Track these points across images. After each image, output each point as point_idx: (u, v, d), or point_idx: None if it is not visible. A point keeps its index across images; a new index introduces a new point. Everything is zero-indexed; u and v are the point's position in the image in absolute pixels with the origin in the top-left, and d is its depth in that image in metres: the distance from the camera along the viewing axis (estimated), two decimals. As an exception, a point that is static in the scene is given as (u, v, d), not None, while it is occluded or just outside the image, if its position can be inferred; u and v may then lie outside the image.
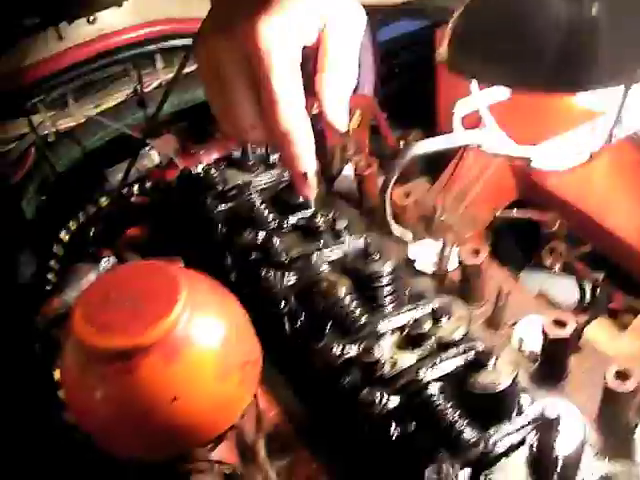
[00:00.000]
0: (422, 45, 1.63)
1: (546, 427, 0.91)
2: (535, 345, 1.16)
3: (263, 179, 1.32)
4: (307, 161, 1.11)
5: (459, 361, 1.02)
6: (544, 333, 1.09)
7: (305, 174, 1.12)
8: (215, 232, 1.28)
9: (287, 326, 1.17)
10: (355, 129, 1.50)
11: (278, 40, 1.06)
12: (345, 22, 1.13)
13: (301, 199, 1.27)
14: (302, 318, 1.16)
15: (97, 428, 0.99)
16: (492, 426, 1.01)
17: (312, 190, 1.14)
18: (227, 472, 1.03)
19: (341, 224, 1.24)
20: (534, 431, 0.94)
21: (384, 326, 1.07)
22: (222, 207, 1.28)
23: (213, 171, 1.31)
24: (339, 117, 1.12)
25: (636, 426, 1.05)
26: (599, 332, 1.22)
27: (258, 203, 1.28)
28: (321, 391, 1.11)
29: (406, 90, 1.45)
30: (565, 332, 1.07)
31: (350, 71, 1.13)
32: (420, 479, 0.99)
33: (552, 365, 1.13)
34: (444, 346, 1.05)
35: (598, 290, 1.41)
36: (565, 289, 1.44)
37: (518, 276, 1.45)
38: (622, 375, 1.01)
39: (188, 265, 1.17)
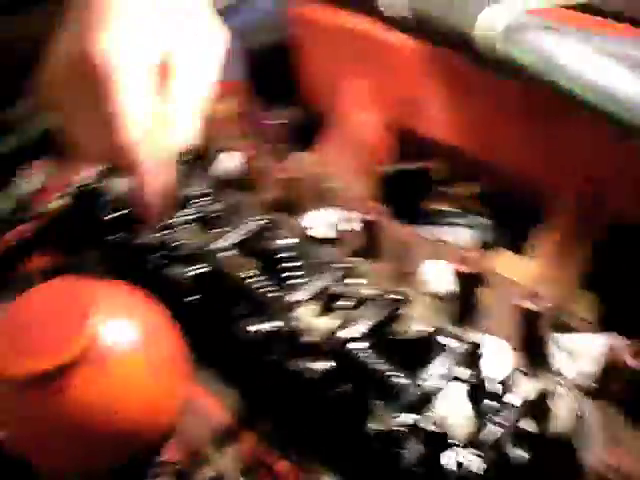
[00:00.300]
0: (278, 25, 1.64)
1: (476, 359, 0.95)
2: (444, 286, 1.20)
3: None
4: (149, 190, 1.07)
5: (378, 315, 1.05)
6: (453, 272, 1.13)
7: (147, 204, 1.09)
8: (113, 240, 1.28)
9: (203, 316, 1.18)
10: (230, 116, 1.51)
11: (119, 55, 1.02)
12: (199, 45, 1.10)
13: (194, 192, 1.28)
14: (216, 305, 1.17)
15: (36, 455, 0.98)
16: (421, 370, 1.05)
17: (156, 215, 1.12)
18: (177, 470, 1.03)
19: (235, 208, 1.25)
20: (466, 365, 0.98)
21: (298, 296, 1.09)
22: (114, 214, 1.28)
23: (101, 182, 1.30)
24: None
25: (550, 342, 1.11)
26: (503, 262, 1.26)
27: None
28: (250, 371, 1.13)
29: (268, 71, 1.46)
30: (473, 268, 1.11)
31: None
32: (362, 435, 1.03)
33: (465, 302, 1.17)
34: (360, 304, 1.08)
35: (493, 226, 1.46)
36: (462, 230, 1.49)
37: (414, 226, 1.48)
38: (533, 296, 1.07)
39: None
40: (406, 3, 1.26)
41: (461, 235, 1.47)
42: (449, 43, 1.20)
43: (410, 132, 1.44)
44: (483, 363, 0.97)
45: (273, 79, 1.47)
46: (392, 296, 1.08)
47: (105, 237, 1.28)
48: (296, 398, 1.08)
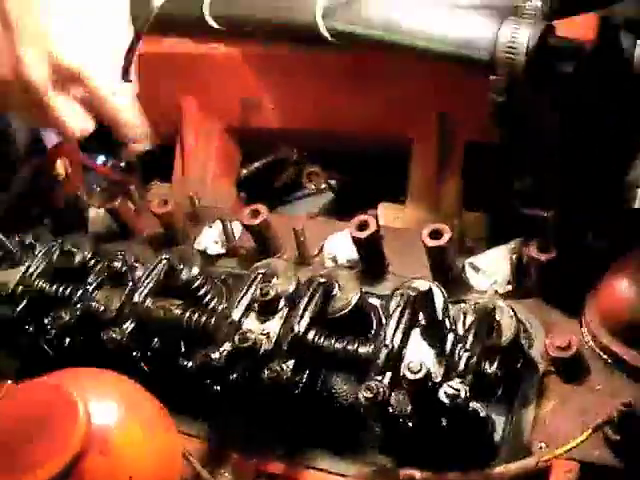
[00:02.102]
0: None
1: (424, 299, 1.02)
2: (348, 254, 1.27)
3: (35, 263, 1.30)
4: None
5: (313, 302, 1.11)
6: (355, 239, 1.20)
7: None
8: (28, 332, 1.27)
9: (151, 366, 1.21)
10: (69, 174, 1.51)
11: None
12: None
13: (78, 258, 1.28)
14: (163, 351, 1.20)
15: None
16: (371, 333, 1.13)
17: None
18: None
19: (131, 258, 1.27)
20: (416, 311, 1.05)
21: (236, 314, 1.12)
22: (19, 309, 1.27)
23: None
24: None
25: (464, 267, 1.21)
26: (387, 215, 1.34)
27: (49, 286, 1.27)
28: (224, 398, 1.17)
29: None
30: (370, 230, 1.19)
31: None
32: (350, 416, 1.10)
33: (373, 260, 1.25)
34: (293, 299, 1.13)
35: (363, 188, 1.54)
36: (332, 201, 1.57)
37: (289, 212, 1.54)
38: (435, 233, 1.16)
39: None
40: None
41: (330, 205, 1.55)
42: (279, 36, 1.26)
43: (254, 130, 1.49)
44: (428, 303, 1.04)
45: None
46: (319, 280, 1.13)
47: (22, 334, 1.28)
48: (272, 402, 1.13)
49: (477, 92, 1.13)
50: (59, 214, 1.47)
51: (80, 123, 1.38)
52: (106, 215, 1.41)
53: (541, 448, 1.05)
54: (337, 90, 1.39)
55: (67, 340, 1.27)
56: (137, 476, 0.96)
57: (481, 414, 1.05)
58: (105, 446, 0.94)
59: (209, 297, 1.23)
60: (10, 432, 0.96)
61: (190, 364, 1.15)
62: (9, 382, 1.28)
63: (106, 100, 1.36)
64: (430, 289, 1.02)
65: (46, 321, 1.25)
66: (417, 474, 1.04)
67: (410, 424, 1.05)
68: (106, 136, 1.42)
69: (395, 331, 1.05)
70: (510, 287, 1.19)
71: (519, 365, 1.11)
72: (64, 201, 1.48)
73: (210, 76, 1.43)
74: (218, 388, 1.16)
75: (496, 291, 1.18)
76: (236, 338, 1.08)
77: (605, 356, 1.10)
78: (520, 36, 1.00)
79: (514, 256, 1.17)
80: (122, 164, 1.62)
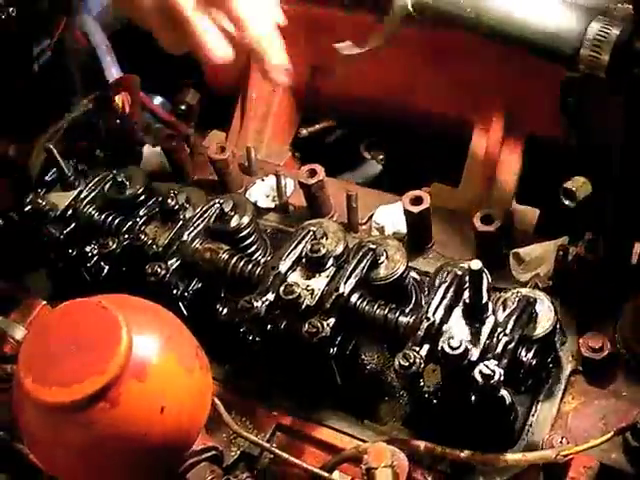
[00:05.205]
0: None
1: (476, 278, 1.03)
2: (395, 227, 1.29)
3: (87, 189, 1.32)
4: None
5: (361, 266, 1.12)
6: (407, 212, 1.22)
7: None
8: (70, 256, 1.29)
9: (190, 306, 1.22)
10: (127, 109, 1.52)
11: None
12: None
13: (130, 191, 1.30)
14: (202, 293, 1.22)
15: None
16: (408, 306, 1.14)
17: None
18: (214, 454, 1.08)
19: (182, 198, 1.28)
20: (460, 290, 1.07)
21: (283, 267, 1.14)
22: (65, 231, 1.28)
23: (40, 201, 1.29)
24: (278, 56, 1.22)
25: (508, 256, 1.23)
26: (439, 195, 1.35)
27: (98, 213, 1.29)
28: (259, 346, 1.18)
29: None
30: (423, 205, 1.21)
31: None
32: (376, 385, 1.13)
33: (420, 236, 1.27)
34: (340, 259, 1.15)
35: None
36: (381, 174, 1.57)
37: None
38: (486, 218, 1.17)
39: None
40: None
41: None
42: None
43: (318, 93, 1.50)
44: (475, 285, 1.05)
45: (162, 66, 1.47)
46: (369, 246, 1.15)
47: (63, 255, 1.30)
48: (309, 358, 1.15)
49: (546, 86, 1.14)
50: (113, 147, 1.48)
51: (221, 49, 1.23)
52: (160, 154, 1.42)
53: (561, 443, 1.06)
54: (409, 65, 1.41)
55: (106, 269, 1.30)
56: (169, 407, 0.97)
57: (507, 400, 1.08)
58: (142, 373, 0.96)
59: (254, 247, 1.25)
60: (54, 346, 0.97)
61: (226, 310, 1.17)
62: (43, 303, 1.32)
63: (245, 26, 1.21)
64: (482, 269, 1.03)
65: (89, 248, 1.27)
66: (438, 448, 1.05)
67: (436, 400, 1.08)
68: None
69: (438, 306, 1.06)
70: (550, 282, 1.20)
71: (549, 360, 1.13)
72: (120, 135, 1.48)
73: (283, 34, 1.43)
74: (250, 338, 1.17)
75: (536, 284, 1.19)
76: (281, 289, 1.10)
77: (635, 365, 1.11)
78: (608, 35, 1.00)
79: (560, 253, 1.17)
80: (182, 107, 1.62)
